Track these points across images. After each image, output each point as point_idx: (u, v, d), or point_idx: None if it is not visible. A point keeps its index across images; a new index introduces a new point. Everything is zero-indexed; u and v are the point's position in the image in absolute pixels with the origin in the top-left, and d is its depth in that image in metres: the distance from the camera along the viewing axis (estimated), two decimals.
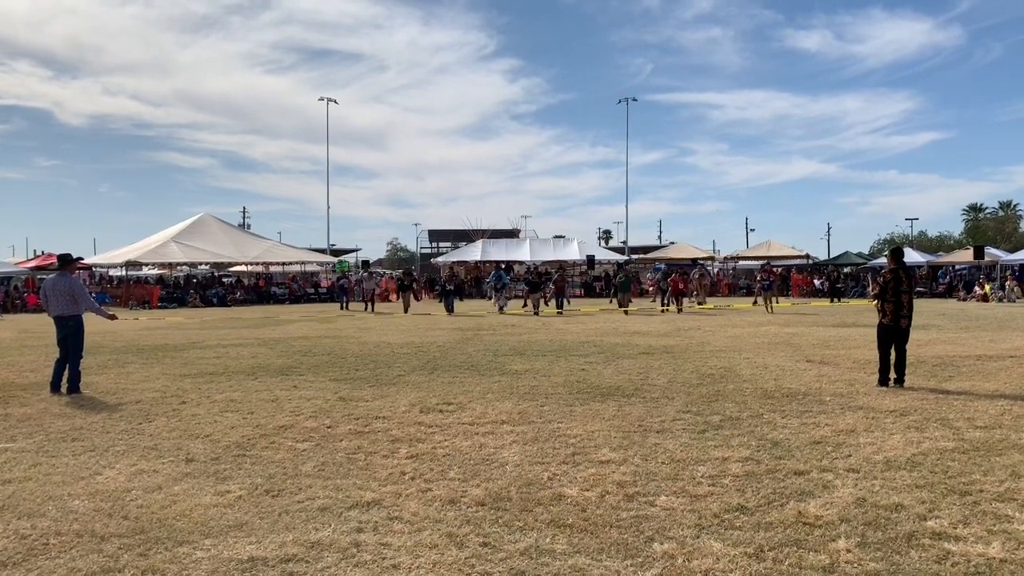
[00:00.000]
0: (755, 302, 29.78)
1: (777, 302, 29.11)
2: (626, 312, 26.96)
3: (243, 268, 50.07)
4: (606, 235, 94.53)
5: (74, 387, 10.28)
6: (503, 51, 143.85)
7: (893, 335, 10.05)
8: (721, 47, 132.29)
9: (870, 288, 23.11)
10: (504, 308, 29.35)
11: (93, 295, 37.96)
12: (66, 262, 11.00)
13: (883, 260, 50.91)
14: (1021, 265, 42.91)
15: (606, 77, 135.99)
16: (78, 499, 5.52)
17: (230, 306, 39.04)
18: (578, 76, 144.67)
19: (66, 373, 10.36)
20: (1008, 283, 38.25)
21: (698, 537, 4.60)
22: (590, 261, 49.76)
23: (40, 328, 16.67)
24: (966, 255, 46.60)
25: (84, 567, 4.25)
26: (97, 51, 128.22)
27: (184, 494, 5.64)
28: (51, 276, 11.10)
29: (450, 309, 28.51)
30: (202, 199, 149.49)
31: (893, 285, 10.08)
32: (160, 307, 37.33)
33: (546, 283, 32.55)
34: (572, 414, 8.48)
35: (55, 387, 10.33)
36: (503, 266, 31.19)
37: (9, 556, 4.44)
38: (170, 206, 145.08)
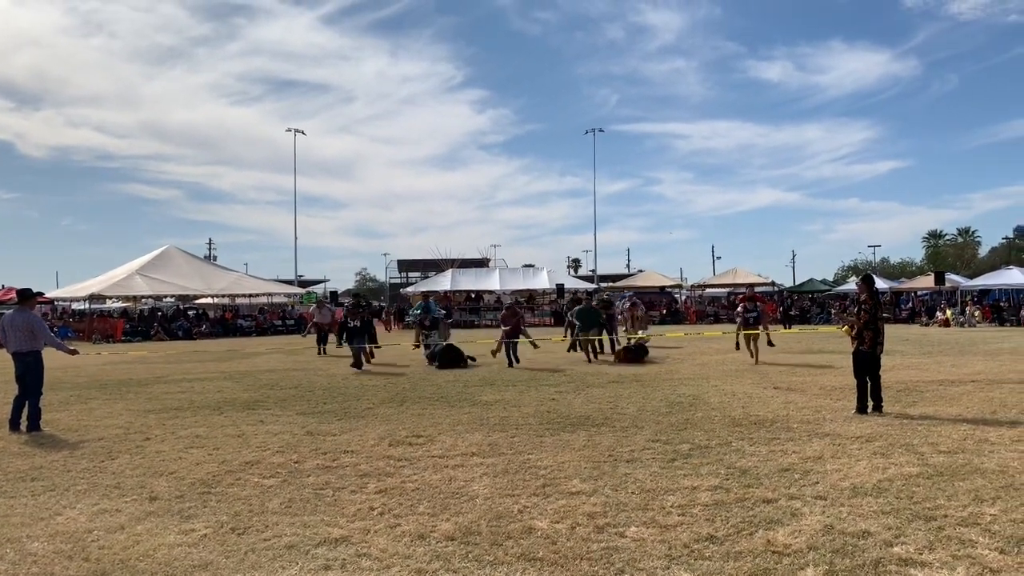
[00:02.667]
0: (737, 344, 18.47)
1: (768, 338, 19.33)
2: (589, 355, 19.03)
3: (209, 300, 49.56)
4: (575, 264, 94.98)
5: (34, 425, 10.07)
6: (470, 82, 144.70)
7: (870, 362, 10.14)
8: (685, 78, 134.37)
9: (838, 315, 21.69)
10: (437, 354, 18.39)
11: (55, 330, 37.44)
12: (25, 297, 10.84)
13: (849, 287, 51.74)
14: (980, 291, 43.82)
15: (573, 108, 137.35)
16: (37, 541, 5.39)
17: (195, 339, 38.53)
18: (545, 107, 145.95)
19: (25, 411, 10.14)
20: (968, 308, 39.03)
21: (668, 568, 4.60)
22: (559, 290, 49.96)
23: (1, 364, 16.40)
24: (927, 281, 47.45)
25: None
26: (61, 82, 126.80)
27: (147, 534, 5.52)
28: (10, 312, 10.92)
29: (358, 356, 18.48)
30: (167, 231, 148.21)
31: (873, 312, 10.16)
32: (124, 341, 36.74)
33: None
34: (542, 445, 8.46)
35: (14, 425, 10.10)
36: (431, 297, 22.57)
37: None
38: (135, 238, 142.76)
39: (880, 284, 51.16)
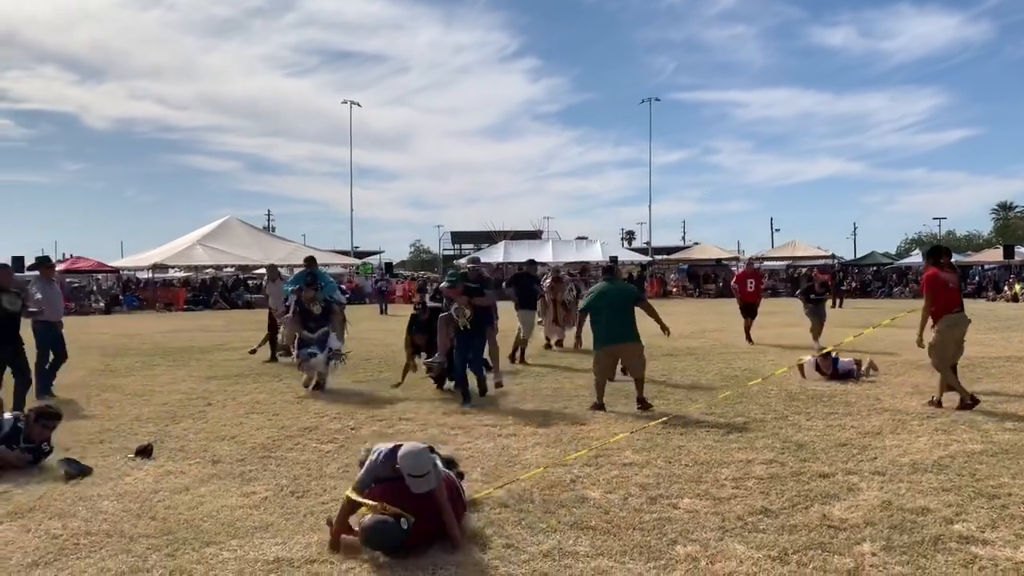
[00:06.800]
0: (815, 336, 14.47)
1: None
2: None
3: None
4: (629, 236, 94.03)
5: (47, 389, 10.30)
6: (525, 51, 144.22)
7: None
8: (745, 45, 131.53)
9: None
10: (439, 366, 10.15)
11: (121, 298, 38.53)
12: (51, 266, 11.21)
13: (913, 259, 50.36)
14: None
15: (629, 76, 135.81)
16: (107, 500, 5.61)
17: (255, 308, 39.33)
18: (601, 75, 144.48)
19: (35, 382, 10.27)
20: None
21: (721, 540, 4.59)
22: (613, 262, 49.62)
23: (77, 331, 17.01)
24: (995, 254, 45.90)
25: (114, 567, 4.32)
26: (122, 55, 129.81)
27: (211, 495, 5.71)
28: (40, 282, 10.87)
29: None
30: (227, 201, 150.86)
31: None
32: (186, 310, 37.71)
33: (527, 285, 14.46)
34: (595, 416, 8.47)
35: (48, 392, 10.29)
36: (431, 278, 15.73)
37: (41, 555, 4.52)
38: (195, 209, 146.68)
39: None
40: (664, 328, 9.00)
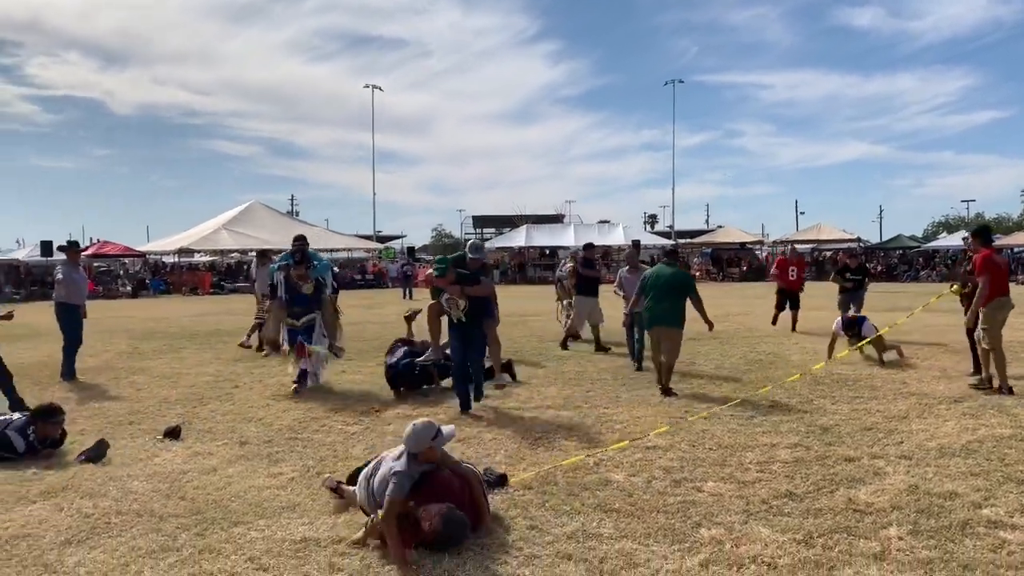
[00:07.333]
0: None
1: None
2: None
3: None
4: (651, 219, 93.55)
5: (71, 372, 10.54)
6: (545, 33, 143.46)
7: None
8: (770, 25, 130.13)
9: (951, 272, 15.17)
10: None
11: (149, 282, 38.91)
12: (74, 250, 11.34)
13: (940, 243, 49.70)
14: None
15: (651, 59, 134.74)
16: (137, 480, 5.70)
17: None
18: (622, 59, 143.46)
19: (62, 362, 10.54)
20: None
21: (746, 523, 4.58)
22: (635, 246, 49.37)
23: (101, 315, 17.21)
24: None
25: (144, 545, 4.40)
26: (145, 41, 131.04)
27: (238, 476, 5.78)
28: (66, 266, 10.97)
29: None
30: (251, 186, 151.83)
31: None
32: (211, 293, 38.07)
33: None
34: (618, 400, 8.47)
35: (73, 375, 10.51)
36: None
37: (74, 534, 4.61)
38: (220, 193, 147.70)
39: None
40: (709, 323, 9.01)
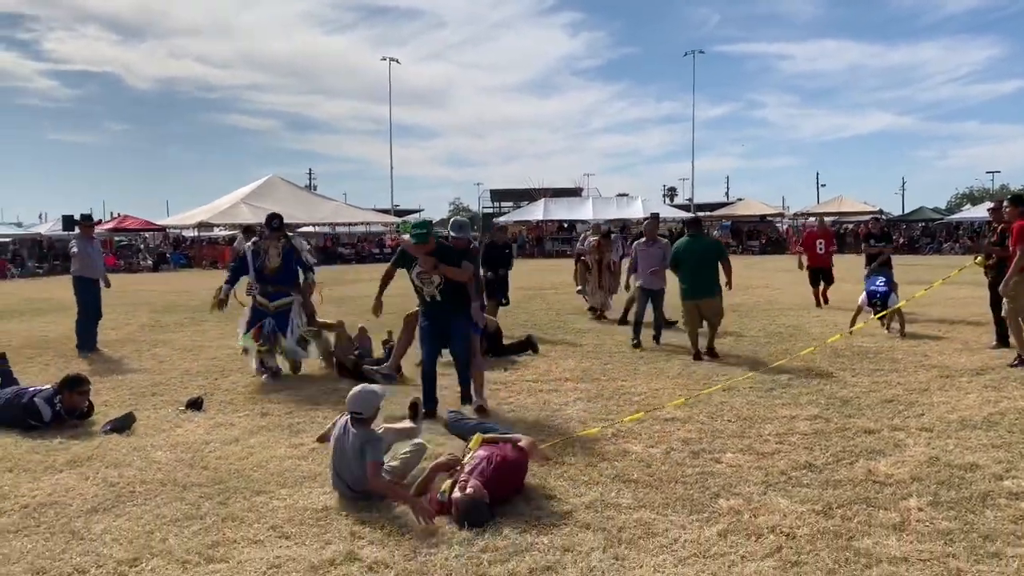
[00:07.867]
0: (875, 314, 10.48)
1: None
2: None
3: (310, 229, 51.00)
4: (671, 192, 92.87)
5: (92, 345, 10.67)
6: (564, 4, 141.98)
7: None
8: None
9: (975, 243, 14.12)
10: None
11: (169, 256, 39.16)
12: (88, 224, 11.43)
13: (963, 215, 49.04)
14: None
15: (671, 29, 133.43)
16: (160, 450, 5.78)
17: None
18: (642, 29, 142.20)
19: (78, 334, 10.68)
20: None
21: (764, 494, 4.58)
22: (654, 219, 49.09)
23: (121, 289, 17.39)
24: None
25: (168, 513, 4.46)
26: (161, 14, 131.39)
27: (260, 446, 5.85)
28: (83, 240, 11.07)
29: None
30: (269, 160, 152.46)
31: None
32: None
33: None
34: (636, 372, 8.47)
35: (93, 347, 10.62)
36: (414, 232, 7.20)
37: (100, 502, 4.69)
38: (238, 167, 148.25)
39: None
40: (729, 283, 9.45)
